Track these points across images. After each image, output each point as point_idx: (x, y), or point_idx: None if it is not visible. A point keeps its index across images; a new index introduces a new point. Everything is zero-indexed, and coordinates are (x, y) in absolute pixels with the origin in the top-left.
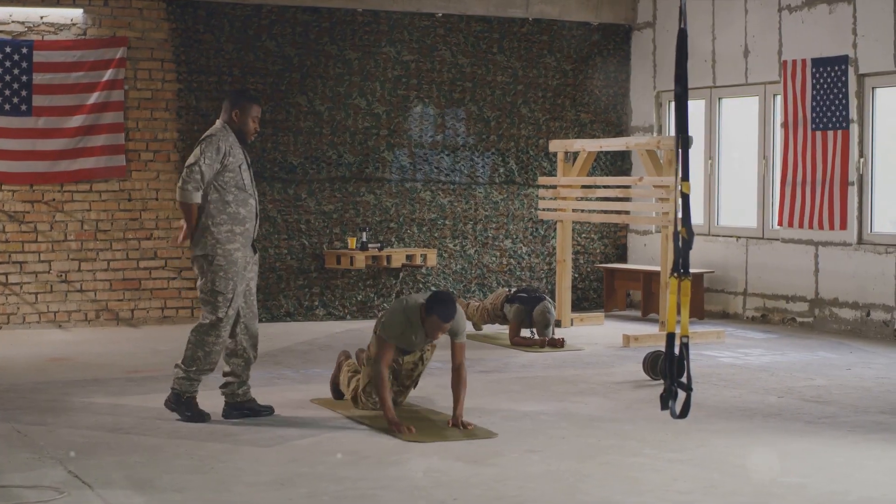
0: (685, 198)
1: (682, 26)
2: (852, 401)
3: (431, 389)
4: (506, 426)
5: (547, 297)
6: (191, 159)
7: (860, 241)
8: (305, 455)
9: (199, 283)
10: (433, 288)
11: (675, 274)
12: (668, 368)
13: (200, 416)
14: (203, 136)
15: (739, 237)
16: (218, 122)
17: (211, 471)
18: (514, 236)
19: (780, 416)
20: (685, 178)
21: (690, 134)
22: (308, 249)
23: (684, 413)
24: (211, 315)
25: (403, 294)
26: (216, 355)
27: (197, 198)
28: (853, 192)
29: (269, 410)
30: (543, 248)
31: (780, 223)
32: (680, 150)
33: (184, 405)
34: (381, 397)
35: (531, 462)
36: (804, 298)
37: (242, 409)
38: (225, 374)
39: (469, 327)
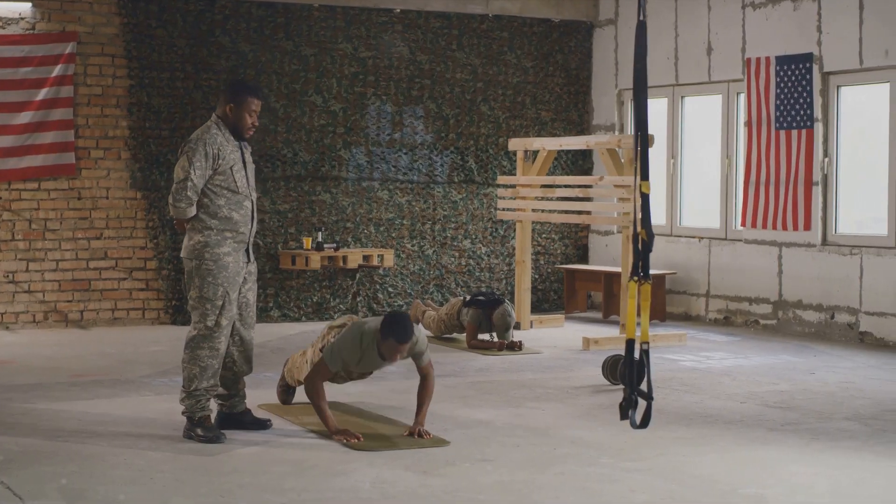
0: (645, 198)
1: (641, 18)
2: (816, 407)
3: (384, 395)
4: (458, 434)
5: (506, 300)
6: (179, 172)
7: (824, 242)
8: (249, 465)
9: (188, 291)
10: (390, 289)
11: (635, 277)
12: (628, 376)
13: (215, 437)
14: (187, 141)
15: (702, 238)
16: (212, 118)
17: (149, 482)
18: (474, 236)
19: (741, 422)
20: (645, 177)
21: (651, 132)
22: (262, 250)
23: (645, 423)
24: (199, 324)
25: (359, 298)
26: (213, 369)
27: (192, 212)
28: (817, 192)
29: (263, 425)
30: (503, 249)
31: (743, 224)
32: (639, 149)
33: (197, 425)
34: (319, 411)
35: (483, 472)
36: (767, 300)
37: (231, 420)
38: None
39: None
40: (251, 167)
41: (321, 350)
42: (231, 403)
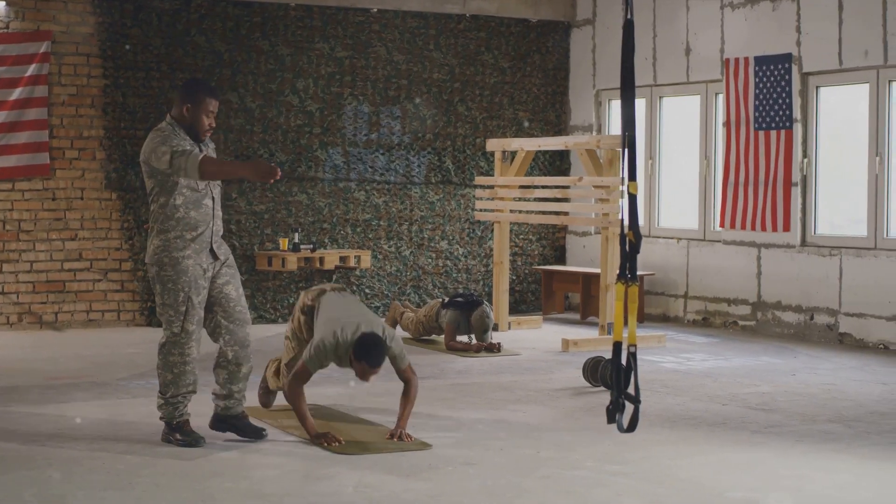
0: (632, 199)
1: (629, 17)
2: (799, 409)
3: (363, 398)
4: (441, 437)
5: (485, 301)
6: (162, 151)
7: (804, 243)
8: (229, 469)
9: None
10: (367, 291)
11: (622, 279)
12: (616, 379)
13: (194, 440)
14: (148, 138)
15: (680, 239)
16: (166, 119)
17: (128, 486)
18: (451, 237)
19: (725, 425)
20: (632, 177)
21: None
22: (239, 251)
23: (632, 427)
24: (167, 331)
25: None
26: (190, 374)
27: (196, 157)
28: (796, 193)
29: (258, 434)
30: (480, 250)
31: (721, 225)
32: (626, 149)
33: (175, 430)
34: (299, 415)
35: (467, 476)
36: (746, 301)
37: (226, 423)
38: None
39: (401, 332)
40: None
41: (295, 330)
42: (226, 405)
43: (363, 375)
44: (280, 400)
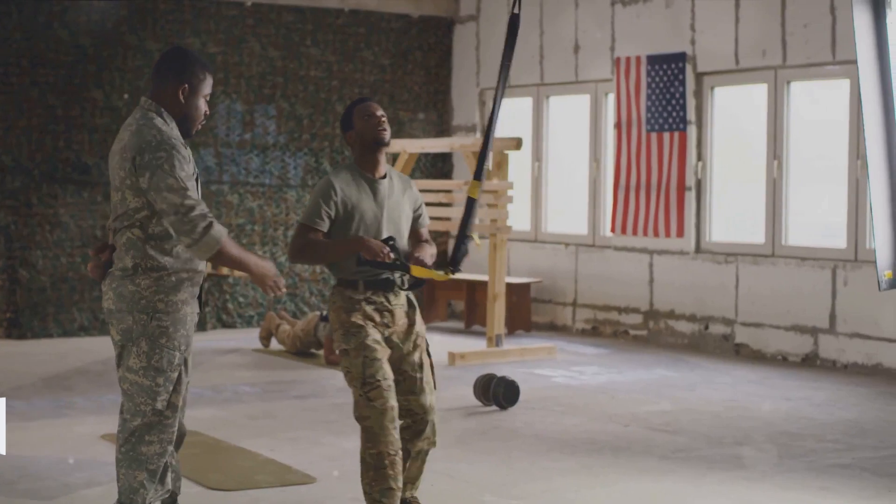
0: (470, 202)
1: (516, 11)
2: (704, 429)
3: (240, 422)
4: (325, 467)
5: None
6: (173, 197)
7: (698, 249)
8: None
9: (121, 359)
10: (241, 299)
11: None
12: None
13: None
14: (145, 147)
15: (569, 244)
16: (146, 106)
17: None
18: None
19: (629, 449)
20: (477, 177)
21: (519, 135)
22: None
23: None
24: (146, 407)
25: (208, 308)
26: (169, 471)
27: (223, 231)
28: (691, 197)
29: None
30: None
31: (612, 230)
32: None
33: None
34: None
35: None
36: (638, 310)
37: None
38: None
39: (277, 345)
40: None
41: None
42: None
43: (370, 123)
44: None
